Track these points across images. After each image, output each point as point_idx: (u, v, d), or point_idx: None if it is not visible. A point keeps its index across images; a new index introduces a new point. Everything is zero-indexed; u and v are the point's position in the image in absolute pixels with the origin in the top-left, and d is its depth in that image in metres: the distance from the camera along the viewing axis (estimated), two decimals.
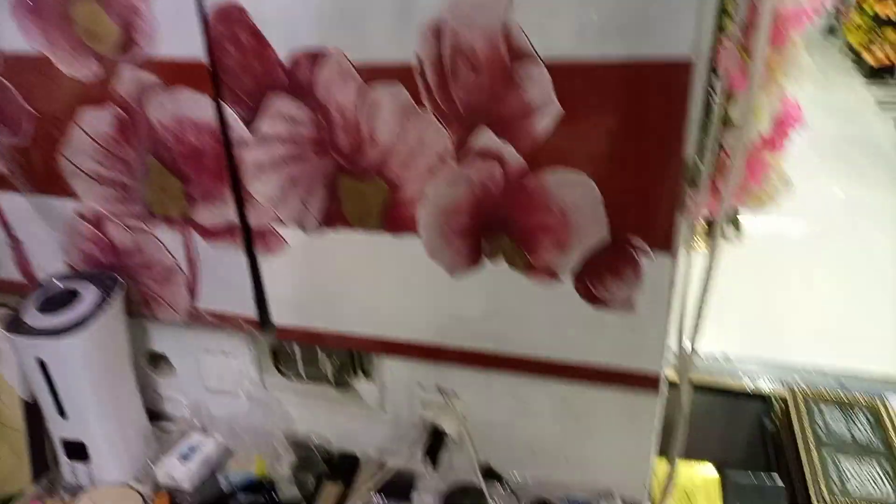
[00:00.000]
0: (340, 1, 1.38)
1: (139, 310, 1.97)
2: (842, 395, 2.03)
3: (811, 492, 1.68)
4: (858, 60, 10.93)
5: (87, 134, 1.73)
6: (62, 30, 1.59)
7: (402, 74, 1.42)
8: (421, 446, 1.86)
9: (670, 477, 1.48)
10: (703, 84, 1.31)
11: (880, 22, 10.42)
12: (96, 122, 1.70)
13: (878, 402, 2.00)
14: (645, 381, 1.63)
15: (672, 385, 1.50)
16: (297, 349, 1.95)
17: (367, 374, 1.92)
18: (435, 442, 1.86)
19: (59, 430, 1.89)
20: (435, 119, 1.44)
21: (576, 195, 1.44)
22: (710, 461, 1.94)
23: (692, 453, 1.95)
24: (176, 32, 1.52)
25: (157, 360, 2.13)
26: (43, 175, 1.82)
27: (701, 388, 2.23)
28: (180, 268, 1.85)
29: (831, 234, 5.92)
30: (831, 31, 12.31)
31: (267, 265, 1.76)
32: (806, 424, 1.89)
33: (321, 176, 1.57)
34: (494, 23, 1.30)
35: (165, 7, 1.50)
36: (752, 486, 1.83)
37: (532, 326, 1.66)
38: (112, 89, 1.64)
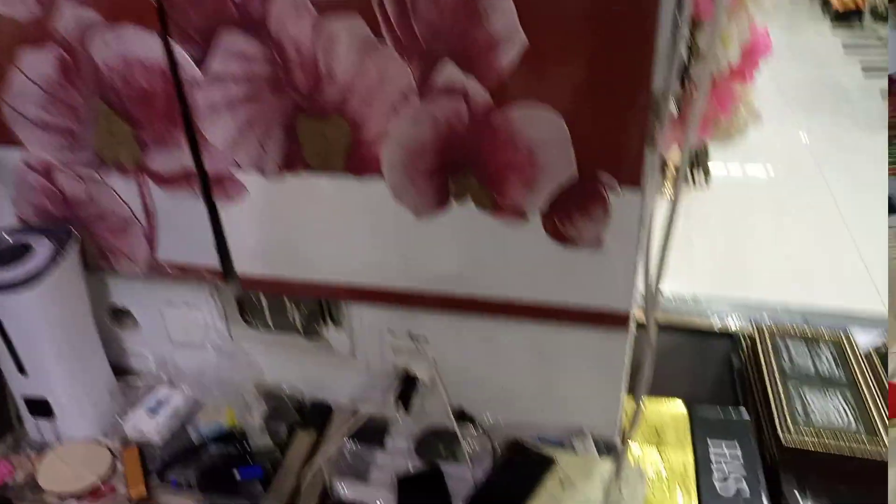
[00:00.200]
0: None
1: (97, 263, 1.91)
2: (806, 331, 2.06)
3: (776, 423, 1.72)
4: (825, 4, 10.91)
5: (28, 78, 1.63)
6: None
7: (359, 5, 1.35)
8: (393, 392, 1.85)
9: (637, 413, 1.49)
10: (670, 12, 1.26)
11: None
12: (37, 64, 1.60)
13: (842, 336, 2.04)
14: (614, 320, 1.63)
15: (641, 325, 1.50)
16: (263, 299, 1.91)
17: (336, 322, 1.89)
18: (407, 387, 1.85)
19: (20, 387, 1.84)
20: (395, 53, 1.37)
21: (543, 131, 1.40)
22: (680, 398, 1.96)
23: (662, 391, 1.98)
24: None
25: (120, 315, 2.07)
26: None
27: (670, 328, 2.25)
28: (137, 218, 1.78)
29: (796, 177, 5.99)
30: None
31: (227, 213, 1.71)
32: (772, 359, 1.92)
33: (278, 116, 1.51)
34: None
35: None
36: (719, 420, 1.86)
37: (501, 268, 1.63)
38: (52, 28, 1.54)
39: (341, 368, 1.96)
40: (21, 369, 1.78)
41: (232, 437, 1.90)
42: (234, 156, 1.59)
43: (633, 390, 1.77)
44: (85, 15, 1.50)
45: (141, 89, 1.55)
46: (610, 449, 1.81)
